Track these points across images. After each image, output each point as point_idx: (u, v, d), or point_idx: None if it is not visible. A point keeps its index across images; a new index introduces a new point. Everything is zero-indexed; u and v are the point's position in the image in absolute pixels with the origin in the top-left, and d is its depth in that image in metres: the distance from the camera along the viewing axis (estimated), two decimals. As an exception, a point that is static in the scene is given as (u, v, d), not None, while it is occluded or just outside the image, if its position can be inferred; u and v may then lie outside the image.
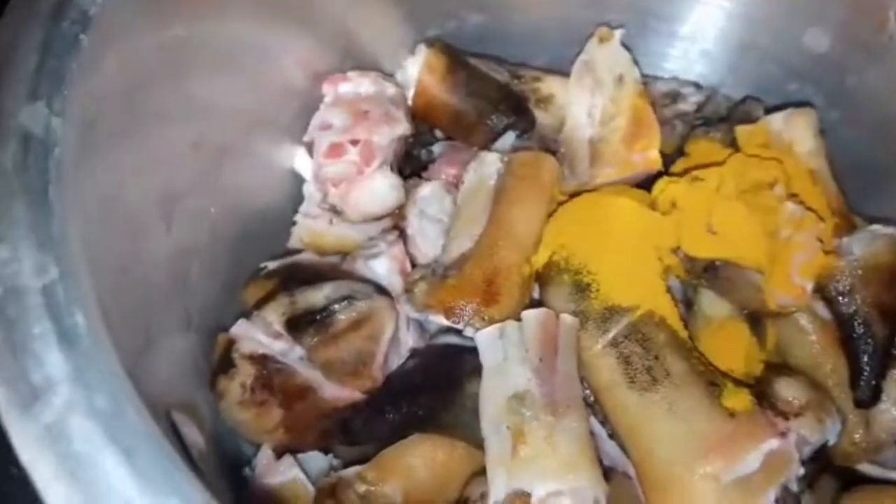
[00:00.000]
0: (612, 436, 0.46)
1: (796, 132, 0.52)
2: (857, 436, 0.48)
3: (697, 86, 0.62)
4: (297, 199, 0.59)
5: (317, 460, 0.51)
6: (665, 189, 0.50)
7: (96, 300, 0.29)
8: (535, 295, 0.50)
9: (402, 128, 0.52)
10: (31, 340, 0.26)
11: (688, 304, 0.52)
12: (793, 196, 0.48)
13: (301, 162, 0.59)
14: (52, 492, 0.24)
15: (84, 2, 0.34)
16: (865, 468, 0.50)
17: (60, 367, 0.26)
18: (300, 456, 0.50)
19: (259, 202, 0.58)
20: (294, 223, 0.57)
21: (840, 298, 0.47)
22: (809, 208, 0.48)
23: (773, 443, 0.41)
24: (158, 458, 0.25)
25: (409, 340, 0.51)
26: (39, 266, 0.27)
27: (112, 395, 0.25)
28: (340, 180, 0.53)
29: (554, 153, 0.58)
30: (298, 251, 0.57)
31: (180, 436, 0.35)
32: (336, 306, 0.48)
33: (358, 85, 0.54)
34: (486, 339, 0.46)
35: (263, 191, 0.58)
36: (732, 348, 0.49)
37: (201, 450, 0.37)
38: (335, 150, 0.51)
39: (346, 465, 0.50)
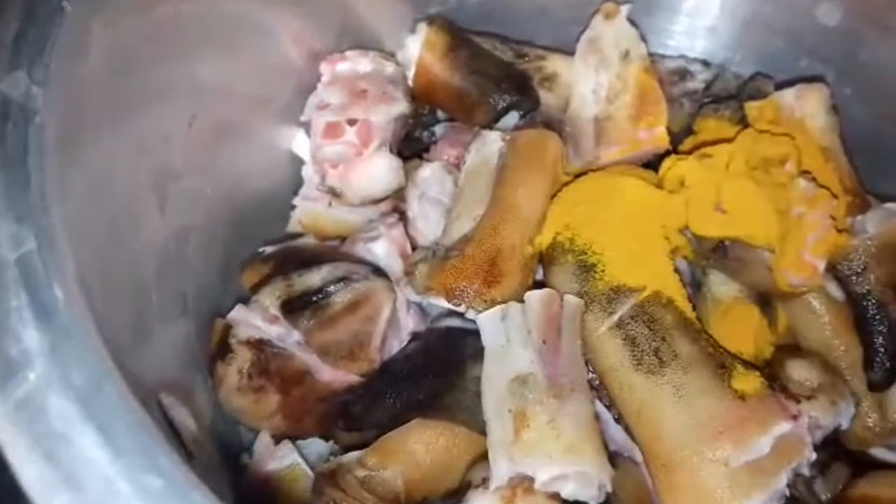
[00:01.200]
0: (618, 419, 0.45)
1: (808, 108, 0.50)
2: (870, 420, 0.46)
3: (706, 63, 0.61)
4: (297, 182, 0.58)
5: (317, 446, 0.50)
6: (672, 167, 0.49)
7: (77, 275, 0.28)
8: (540, 277, 0.49)
9: (401, 107, 0.51)
10: (6, 314, 0.25)
11: (696, 286, 0.51)
12: (805, 173, 0.47)
13: (300, 144, 0.58)
14: (26, 470, 0.23)
15: (69, -32, 0.33)
16: (879, 453, 0.49)
17: (36, 341, 0.24)
18: (300, 442, 0.49)
19: (257, 185, 0.56)
20: (293, 207, 0.56)
21: (853, 278, 0.45)
22: (822, 185, 0.46)
23: (785, 426, 0.39)
24: (137, 435, 0.23)
25: (410, 324, 0.50)
26: (16, 237, 0.26)
27: (90, 370, 0.24)
28: (339, 162, 0.51)
29: (558, 133, 0.57)
30: (298, 235, 0.56)
31: (169, 418, 0.34)
32: (332, 287, 0.47)
33: (356, 64, 0.53)
34: (488, 322, 0.45)
35: (261, 173, 0.57)
36: (742, 331, 0.48)
37: (194, 434, 0.36)
38: (333, 130, 0.50)
39: (346, 450, 0.49)
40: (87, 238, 0.31)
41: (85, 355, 0.25)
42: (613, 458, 0.45)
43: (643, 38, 0.55)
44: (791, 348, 0.46)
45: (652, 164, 0.53)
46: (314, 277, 0.48)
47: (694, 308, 0.47)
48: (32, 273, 0.25)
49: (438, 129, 0.60)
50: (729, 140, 0.49)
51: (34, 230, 0.26)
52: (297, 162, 0.58)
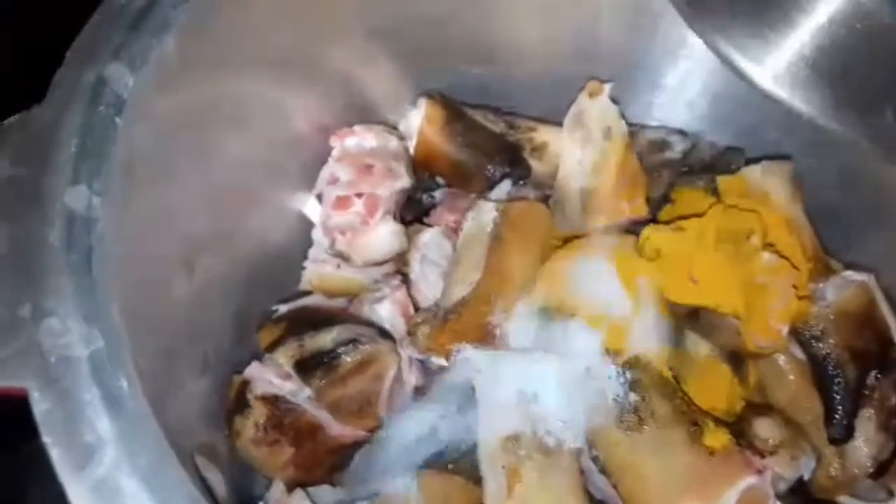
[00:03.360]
0: (602, 472, 0.49)
1: (772, 182, 0.55)
2: (832, 470, 0.51)
3: (683, 133, 0.66)
4: (307, 241, 0.63)
5: (326, 494, 0.54)
6: (650, 237, 0.54)
7: (133, 360, 0.33)
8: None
9: (403, 181, 0.56)
10: (82, 406, 0.29)
11: (675, 343, 0.56)
12: (769, 245, 0.52)
13: (310, 208, 0.63)
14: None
15: (118, 86, 0.38)
16: (844, 500, 0.53)
17: (108, 429, 0.29)
18: (310, 490, 0.53)
19: (271, 247, 0.61)
20: (304, 268, 0.61)
21: (813, 342, 0.50)
22: (784, 256, 0.51)
23: (750, 480, 0.44)
24: (192, 506, 0.28)
25: (413, 380, 0.55)
26: (86, 336, 0.30)
27: (152, 454, 0.29)
28: (347, 229, 0.56)
29: (548, 198, 0.62)
30: (308, 293, 0.61)
31: (205, 481, 0.38)
32: (342, 349, 0.51)
33: (363, 139, 0.58)
34: (483, 381, 0.49)
35: (275, 236, 0.61)
36: (715, 387, 0.52)
37: (222, 492, 0.40)
38: (342, 203, 0.55)
39: (354, 499, 0.53)
40: (137, 323, 0.35)
41: (148, 440, 0.29)
42: (601, 506, 0.50)
43: (623, 115, 0.60)
44: (758, 406, 0.51)
45: (633, 229, 0.58)
46: (325, 338, 0.53)
47: (672, 365, 0.52)
48: (102, 368, 0.30)
49: (438, 194, 0.65)
50: (701, 214, 0.54)
51: (100, 328, 0.31)
52: (308, 224, 0.63)
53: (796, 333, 0.51)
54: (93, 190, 0.34)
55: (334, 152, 0.59)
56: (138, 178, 0.39)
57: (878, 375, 0.49)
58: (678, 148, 0.64)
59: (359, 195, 0.55)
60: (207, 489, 0.38)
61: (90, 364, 0.30)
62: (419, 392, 0.54)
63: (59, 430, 0.29)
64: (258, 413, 0.51)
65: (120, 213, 0.36)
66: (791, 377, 0.52)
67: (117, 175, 0.36)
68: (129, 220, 0.37)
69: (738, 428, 0.48)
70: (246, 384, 0.53)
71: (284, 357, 0.53)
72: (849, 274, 0.52)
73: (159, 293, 0.43)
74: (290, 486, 0.52)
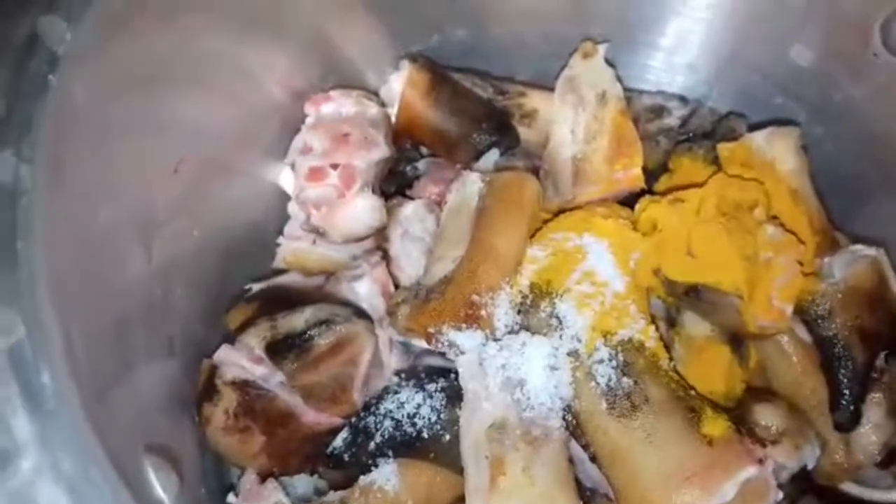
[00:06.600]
0: (593, 459, 0.46)
1: (778, 150, 0.52)
2: (837, 456, 0.48)
3: (683, 99, 0.62)
4: (283, 216, 0.59)
5: (302, 482, 0.51)
6: (646, 209, 0.50)
7: (64, 347, 0.29)
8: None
9: (382, 151, 0.52)
10: (-4, 405, 0.26)
11: (671, 322, 0.53)
12: (773, 218, 0.48)
13: (286, 179, 0.59)
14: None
15: (52, 41, 0.34)
16: (848, 487, 0.50)
17: (27, 430, 0.26)
18: (286, 479, 0.50)
19: (243, 221, 0.57)
20: (278, 245, 0.57)
21: (820, 322, 0.47)
22: (790, 230, 0.48)
23: (751, 470, 0.41)
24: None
25: (393, 362, 0.51)
26: (6, 325, 0.27)
27: (77, 457, 0.25)
28: (322, 203, 0.53)
29: (538, 168, 0.58)
30: (283, 271, 0.58)
31: (153, 484, 0.35)
32: (315, 331, 0.48)
33: (340, 105, 0.54)
34: (467, 365, 0.46)
35: (248, 210, 0.58)
36: (714, 369, 0.49)
37: (173, 495, 0.37)
38: (316, 174, 0.51)
39: (332, 486, 0.50)
40: (73, 300, 0.32)
41: (73, 441, 0.26)
42: (591, 495, 0.47)
43: (619, 79, 0.56)
44: (759, 391, 0.48)
45: (628, 201, 0.55)
46: (298, 320, 0.49)
47: (667, 347, 0.49)
48: (22, 362, 0.27)
49: (421, 165, 0.62)
50: (701, 184, 0.50)
51: (22, 314, 0.27)
52: (284, 196, 0.59)
53: (801, 313, 0.48)
54: (20, 157, 0.30)
55: (308, 119, 0.55)
56: (76, 145, 0.35)
57: (889, 357, 0.46)
58: (677, 114, 0.60)
59: (334, 166, 0.51)
60: (154, 494, 0.35)
61: (8, 358, 0.27)
62: (400, 375, 0.51)
63: (-33, 433, 0.25)
64: (228, 399, 0.48)
65: (54, 184, 0.32)
66: (794, 359, 0.49)
67: (50, 141, 0.32)
68: (65, 192, 0.34)
69: (738, 414, 0.45)
70: (215, 369, 0.49)
71: (255, 339, 0.49)
72: (857, 248, 0.49)
73: (107, 273, 0.39)
74: (264, 476, 0.49)
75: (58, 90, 0.33)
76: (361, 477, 0.48)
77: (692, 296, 0.48)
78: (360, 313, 0.50)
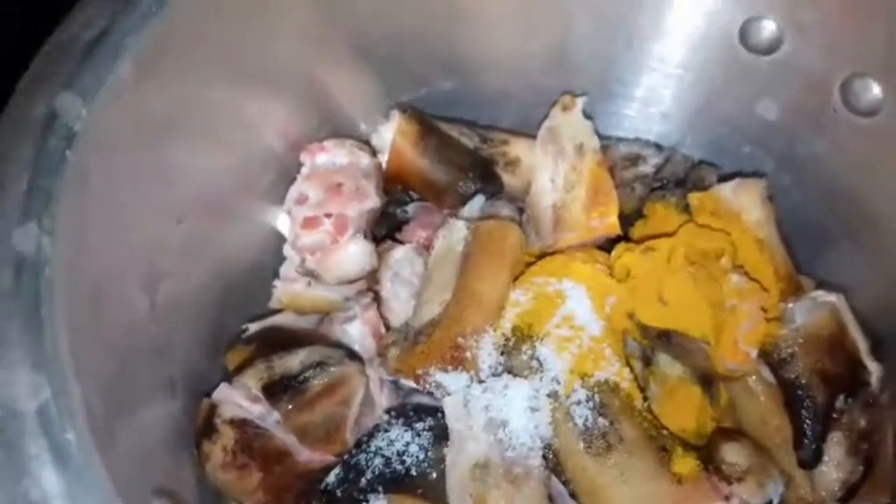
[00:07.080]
0: (573, 496, 0.49)
1: (744, 201, 0.55)
2: (803, 491, 0.50)
3: (658, 147, 0.65)
4: (279, 256, 0.62)
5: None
6: (620, 257, 0.53)
7: (83, 402, 0.32)
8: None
9: (372, 202, 0.56)
10: (28, 460, 0.29)
11: (646, 361, 0.56)
12: (738, 267, 0.51)
13: (282, 221, 0.62)
14: None
15: (69, 118, 0.37)
16: (813, 520, 0.53)
17: (54, 483, 0.28)
18: (280, 513, 0.53)
19: (242, 263, 0.60)
20: (275, 286, 0.60)
21: (783, 364, 0.50)
22: (754, 278, 0.51)
23: (717, 507, 0.44)
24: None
25: (384, 401, 0.54)
26: (34, 387, 0.29)
27: (100, 506, 0.28)
28: (316, 248, 0.56)
29: (523, 209, 0.61)
30: (279, 311, 0.60)
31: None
32: (309, 373, 0.51)
33: (334, 156, 0.57)
34: (453, 405, 0.49)
35: (245, 253, 0.60)
36: (685, 409, 0.52)
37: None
38: (311, 223, 0.54)
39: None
40: (91, 360, 0.35)
41: (95, 492, 0.29)
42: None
43: (597, 131, 0.59)
44: (727, 430, 0.51)
45: (606, 245, 0.58)
46: (293, 361, 0.52)
47: (642, 387, 0.52)
48: (49, 420, 0.29)
49: (410, 209, 0.65)
50: (672, 233, 0.53)
51: (49, 377, 0.30)
52: (280, 237, 0.62)
53: (765, 356, 0.51)
54: (42, 228, 0.33)
55: (304, 169, 0.58)
56: (92, 210, 0.38)
57: (848, 399, 0.49)
58: (652, 161, 0.64)
59: (328, 215, 0.55)
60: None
61: (38, 416, 0.29)
62: (390, 413, 0.54)
63: (2, 485, 0.28)
64: (226, 437, 0.51)
65: (72, 250, 0.35)
66: (761, 399, 0.52)
67: (69, 209, 0.35)
68: (81, 257, 0.36)
69: (707, 452, 0.48)
70: (214, 408, 0.52)
71: (253, 380, 0.52)
72: (818, 294, 0.52)
73: (115, 324, 0.42)
74: (260, 511, 0.52)
75: (76, 164, 0.36)
76: (352, 511, 0.50)
77: (664, 340, 0.51)
78: (353, 355, 0.53)
